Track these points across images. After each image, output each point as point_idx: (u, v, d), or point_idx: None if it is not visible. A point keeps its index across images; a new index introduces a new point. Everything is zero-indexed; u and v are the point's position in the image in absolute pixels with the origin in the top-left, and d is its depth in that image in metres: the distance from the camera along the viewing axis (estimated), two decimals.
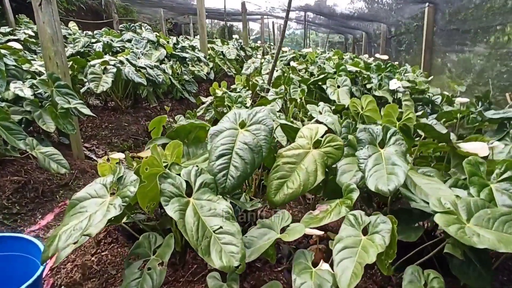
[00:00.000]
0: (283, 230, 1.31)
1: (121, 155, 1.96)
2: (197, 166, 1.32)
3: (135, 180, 1.21)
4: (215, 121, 3.42)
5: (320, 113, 2.54)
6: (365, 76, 3.69)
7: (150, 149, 1.35)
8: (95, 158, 3.01)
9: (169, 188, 1.18)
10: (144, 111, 3.78)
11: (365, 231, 1.23)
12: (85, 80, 3.06)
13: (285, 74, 4.63)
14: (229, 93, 3.26)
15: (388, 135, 1.45)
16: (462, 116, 2.67)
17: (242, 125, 1.52)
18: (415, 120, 1.69)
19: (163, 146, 1.46)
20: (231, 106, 2.92)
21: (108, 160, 1.94)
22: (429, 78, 4.59)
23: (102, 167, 1.87)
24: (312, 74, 5.09)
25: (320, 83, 3.73)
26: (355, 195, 1.38)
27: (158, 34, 4.81)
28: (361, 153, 1.43)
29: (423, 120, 2.01)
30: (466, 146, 1.38)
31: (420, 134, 1.75)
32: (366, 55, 7.85)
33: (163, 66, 4.26)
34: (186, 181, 1.25)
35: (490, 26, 5.99)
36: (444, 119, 2.70)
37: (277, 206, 1.48)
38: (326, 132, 1.61)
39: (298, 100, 2.86)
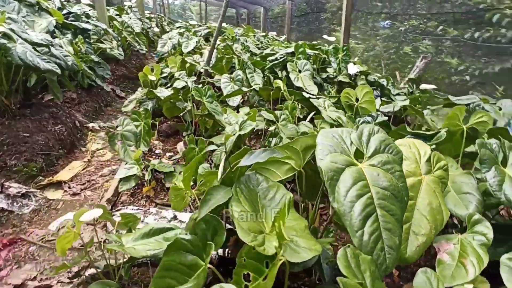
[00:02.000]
0: None
1: (94, 214, 1.13)
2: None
3: None
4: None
5: (325, 108, 2.17)
6: (323, 59, 3.48)
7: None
8: None
9: None
10: (47, 110, 2.53)
11: None
12: None
13: (226, 55, 4.00)
14: (189, 83, 2.47)
15: (508, 152, 1.22)
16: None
17: (358, 156, 1.01)
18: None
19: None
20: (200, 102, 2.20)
21: (72, 226, 1.11)
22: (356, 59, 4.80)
23: (62, 241, 1.05)
24: (253, 54, 4.60)
25: (275, 67, 3.31)
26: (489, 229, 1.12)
27: None
28: (489, 175, 1.15)
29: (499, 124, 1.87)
30: None
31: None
32: (274, 33, 7.76)
33: (57, 41, 2.96)
34: None
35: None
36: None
37: (411, 263, 1.08)
38: None
39: (282, 89, 2.40)
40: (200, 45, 4.87)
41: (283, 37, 7.15)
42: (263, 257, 0.84)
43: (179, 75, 3.18)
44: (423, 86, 2.82)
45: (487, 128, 1.48)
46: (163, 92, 2.26)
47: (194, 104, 2.42)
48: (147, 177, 1.89)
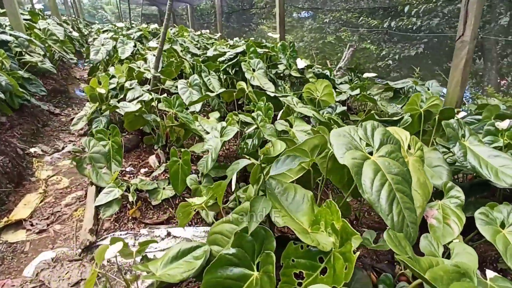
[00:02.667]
0: None
1: (115, 248, 1.09)
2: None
3: None
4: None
5: (295, 105, 2.30)
6: (273, 56, 3.61)
7: None
8: None
9: None
10: None
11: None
12: None
13: (171, 58, 3.88)
14: (148, 95, 2.35)
15: (466, 130, 1.49)
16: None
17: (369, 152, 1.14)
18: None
19: None
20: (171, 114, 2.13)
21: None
22: None
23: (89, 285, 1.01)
24: (194, 55, 4.52)
25: (227, 68, 3.34)
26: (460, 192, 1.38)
27: None
28: (455, 149, 1.41)
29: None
30: (502, 125, 1.63)
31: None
32: (207, 31, 7.68)
33: None
34: None
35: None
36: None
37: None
38: None
39: (247, 91, 2.45)
40: (138, 49, 4.60)
41: (218, 35, 7.12)
42: (314, 254, 0.91)
43: (130, 85, 2.99)
44: (366, 75, 3.16)
45: (438, 110, 1.77)
46: (129, 107, 2.12)
47: (163, 115, 2.33)
48: (131, 199, 1.78)
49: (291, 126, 2.12)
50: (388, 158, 1.10)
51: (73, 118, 3.31)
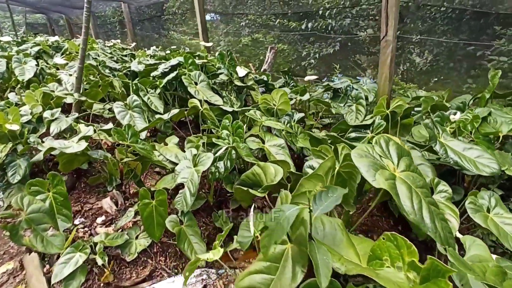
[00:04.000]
0: None
1: None
2: None
3: None
4: None
5: (260, 118, 2.19)
6: (208, 66, 3.42)
7: None
8: None
9: None
10: None
11: None
12: None
13: (90, 76, 3.36)
14: (90, 130, 1.94)
15: (439, 127, 1.61)
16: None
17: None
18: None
19: None
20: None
21: None
22: None
23: None
24: (113, 70, 4.01)
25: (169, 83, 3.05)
26: (447, 186, 1.49)
27: None
28: (437, 148, 1.51)
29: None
30: (455, 117, 1.82)
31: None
32: (118, 41, 6.97)
33: None
34: None
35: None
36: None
37: None
38: None
39: (201, 108, 2.24)
40: (42, 68, 3.85)
41: (132, 45, 6.50)
42: None
43: (52, 115, 2.46)
44: (308, 78, 3.26)
45: (402, 110, 1.90)
46: (71, 147, 1.69)
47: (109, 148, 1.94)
48: (100, 262, 1.43)
49: (263, 141, 2.02)
50: (410, 172, 1.10)
51: None
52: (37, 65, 3.78)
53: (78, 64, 2.88)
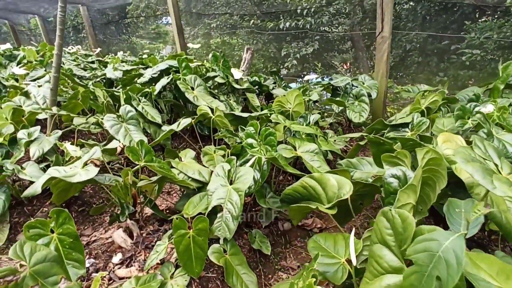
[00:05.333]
0: None
1: None
2: None
3: None
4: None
5: (284, 122, 1.98)
6: (198, 69, 3.14)
7: None
8: None
9: None
10: None
11: None
12: None
13: (63, 87, 2.95)
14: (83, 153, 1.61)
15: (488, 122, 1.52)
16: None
17: None
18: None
19: None
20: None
21: None
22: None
23: None
24: (83, 79, 3.58)
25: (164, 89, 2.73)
26: None
27: None
28: (496, 143, 1.42)
29: None
30: (486, 109, 1.77)
31: None
32: (78, 47, 6.35)
33: None
34: None
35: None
36: None
37: None
38: None
39: (213, 116, 1.99)
40: None
41: (97, 50, 5.93)
42: None
43: (29, 135, 2.05)
44: (307, 77, 3.12)
45: (438, 105, 1.81)
46: (77, 175, 1.34)
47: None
48: None
49: (294, 148, 1.82)
50: None
51: None
52: None
53: (53, 73, 2.47)
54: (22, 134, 2.06)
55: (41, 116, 2.53)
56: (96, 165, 2.40)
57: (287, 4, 5.69)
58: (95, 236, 1.96)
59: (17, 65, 4.17)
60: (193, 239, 1.33)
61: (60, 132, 2.16)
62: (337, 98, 2.75)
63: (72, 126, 2.51)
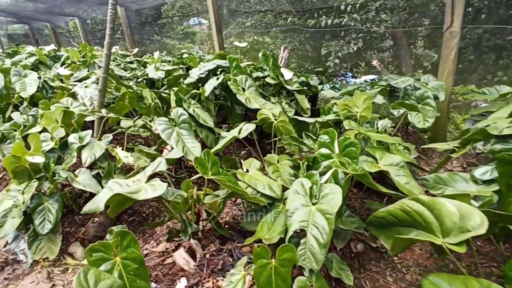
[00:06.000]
0: None
1: None
2: None
3: None
4: None
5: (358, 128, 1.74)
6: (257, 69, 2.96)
7: None
8: None
9: None
10: None
11: None
12: None
13: (113, 88, 2.86)
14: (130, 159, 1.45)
15: None
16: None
17: None
18: None
19: None
20: None
21: None
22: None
23: None
24: (122, 79, 3.51)
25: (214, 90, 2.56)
26: None
27: None
28: None
29: None
30: None
31: None
32: (116, 47, 6.40)
33: None
34: None
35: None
36: None
37: None
38: None
39: (276, 121, 1.78)
40: (45, 80, 3.28)
41: (134, 51, 5.93)
42: None
43: (81, 139, 1.94)
44: (364, 78, 2.84)
45: None
46: (145, 191, 1.18)
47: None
48: None
49: (376, 160, 1.58)
50: None
51: None
52: (39, 77, 3.22)
53: (102, 73, 2.36)
54: (73, 139, 1.95)
55: (87, 118, 2.44)
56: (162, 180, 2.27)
57: (328, 1, 5.40)
58: (147, 249, 1.82)
59: (61, 65, 4.19)
60: (275, 270, 1.13)
61: (110, 137, 2.04)
62: (405, 101, 2.46)
63: (119, 129, 2.41)
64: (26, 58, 4.12)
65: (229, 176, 1.42)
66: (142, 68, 4.57)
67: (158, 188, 1.18)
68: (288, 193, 1.32)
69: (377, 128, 2.12)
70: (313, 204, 1.26)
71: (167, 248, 1.69)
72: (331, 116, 2.01)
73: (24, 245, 1.86)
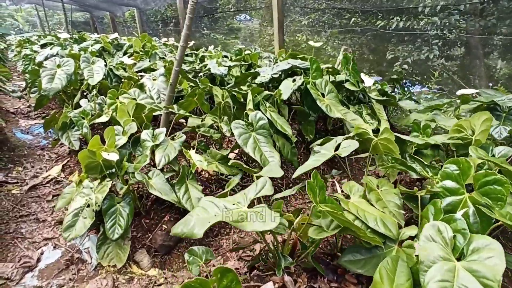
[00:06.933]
0: None
1: None
2: None
3: None
4: None
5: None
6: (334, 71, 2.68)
7: None
8: None
9: None
10: None
11: None
12: None
13: (193, 85, 2.73)
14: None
15: None
16: None
17: None
18: None
19: None
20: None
21: None
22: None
23: None
24: (213, 78, 3.38)
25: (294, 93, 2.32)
26: None
27: None
28: None
29: None
30: None
31: None
32: (172, 39, 6.39)
33: None
34: None
35: None
36: None
37: None
38: None
39: (376, 139, 1.51)
40: (110, 69, 3.24)
41: (190, 43, 5.87)
42: None
43: (154, 137, 1.80)
44: (461, 92, 2.47)
45: None
46: (253, 223, 0.97)
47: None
48: None
49: None
50: None
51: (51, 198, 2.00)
52: (105, 65, 3.18)
53: (175, 67, 2.22)
54: (146, 136, 1.81)
55: (159, 112, 2.32)
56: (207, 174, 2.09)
57: (402, 1, 4.93)
58: (213, 265, 1.63)
59: (123, 54, 4.19)
60: None
61: (183, 137, 1.88)
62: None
63: (185, 128, 2.25)
64: (92, 45, 4.16)
65: (336, 205, 1.17)
66: (199, 62, 4.45)
67: (268, 221, 0.95)
68: (421, 239, 1.04)
69: (493, 155, 1.76)
70: (457, 259, 0.98)
71: (245, 272, 1.49)
72: (440, 138, 1.68)
73: (88, 243, 1.76)
